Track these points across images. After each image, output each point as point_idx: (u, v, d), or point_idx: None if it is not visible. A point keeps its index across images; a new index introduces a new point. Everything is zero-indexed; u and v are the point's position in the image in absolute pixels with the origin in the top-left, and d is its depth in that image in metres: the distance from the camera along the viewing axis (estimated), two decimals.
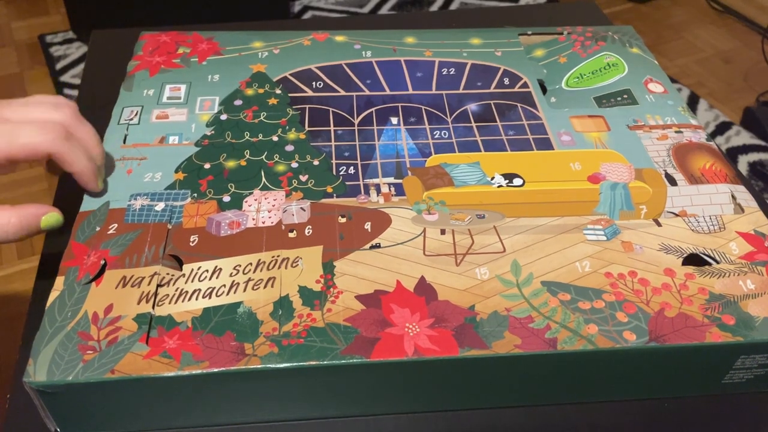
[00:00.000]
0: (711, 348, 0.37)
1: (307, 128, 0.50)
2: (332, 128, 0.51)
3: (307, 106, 0.52)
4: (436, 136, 0.50)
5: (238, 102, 0.52)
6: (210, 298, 0.38)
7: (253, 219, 0.43)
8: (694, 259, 0.41)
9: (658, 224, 0.44)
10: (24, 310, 0.43)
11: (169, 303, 0.38)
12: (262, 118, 0.51)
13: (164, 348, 0.36)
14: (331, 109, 0.52)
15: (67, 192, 0.50)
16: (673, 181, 0.47)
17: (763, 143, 1.50)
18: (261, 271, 0.40)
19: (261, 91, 0.54)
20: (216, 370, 0.35)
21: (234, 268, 0.40)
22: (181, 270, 0.40)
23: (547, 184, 0.46)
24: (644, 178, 0.47)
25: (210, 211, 0.43)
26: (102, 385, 0.34)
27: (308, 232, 0.42)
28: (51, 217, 0.38)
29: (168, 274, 0.39)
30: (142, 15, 1.65)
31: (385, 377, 0.37)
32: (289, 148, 0.48)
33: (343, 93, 0.54)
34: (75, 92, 1.60)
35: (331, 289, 0.39)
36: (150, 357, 0.35)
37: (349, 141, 0.49)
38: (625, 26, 0.63)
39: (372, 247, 0.41)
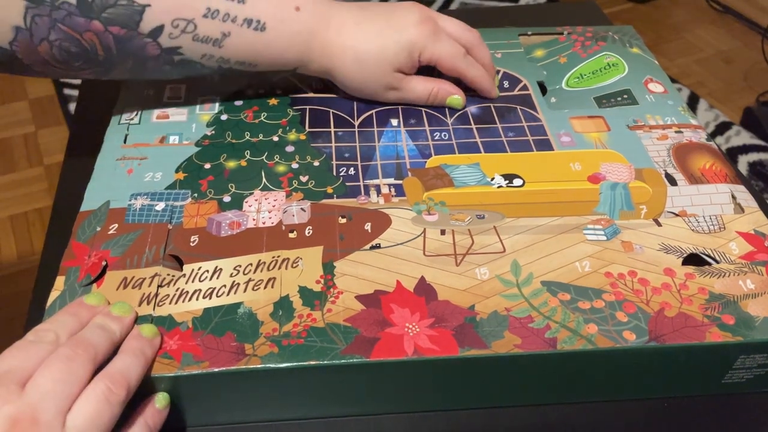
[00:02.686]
0: (711, 348, 0.37)
1: (307, 129, 0.50)
2: (332, 129, 0.51)
3: (308, 107, 0.52)
4: (436, 138, 0.50)
5: (238, 102, 0.52)
6: (210, 298, 0.38)
7: (254, 219, 0.43)
8: (694, 259, 0.41)
9: (658, 224, 0.44)
10: (24, 310, 0.43)
11: (170, 303, 0.38)
12: (262, 118, 0.51)
13: (165, 348, 0.36)
14: (331, 110, 0.52)
15: (67, 191, 0.50)
16: (673, 181, 0.47)
17: (763, 143, 1.50)
18: (261, 271, 0.40)
19: (261, 91, 0.54)
20: (216, 370, 0.35)
21: (234, 269, 0.40)
22: (182, 270, 0.40)
23: (547, 185, 0.46)
24: (644, 178, 0.47)
25: (210, 211, 0.43)
26: None
27: (308, 233, 0.42)
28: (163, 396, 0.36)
29: (168, 274, 0.39)
30: None
31: (385, 377, 0.37)
32: (290, 148, 0.48)
33: (343, 94, 0.54)
34: (75, 92, 1.60)
35: (331, 290, 0.39)
36: None
37: (349, 142, 0.49)
38: (625, 26, 0.63)
39: (372, 248, 0.41)
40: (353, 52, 0.48)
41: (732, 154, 1.48)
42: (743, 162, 1.46)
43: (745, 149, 1.49)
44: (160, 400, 0.35)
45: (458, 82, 0.53)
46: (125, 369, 0.33)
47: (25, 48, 0.41)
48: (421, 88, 0.52)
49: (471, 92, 0.54)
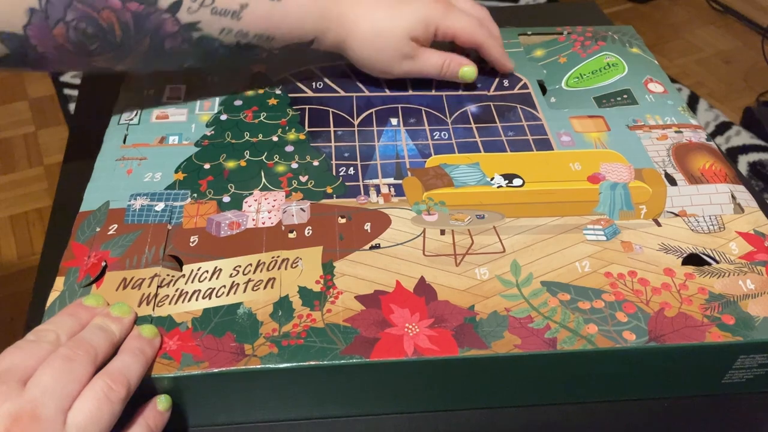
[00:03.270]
0: (711, 348, 0.37)
1: (306, 129, 0.50)
2: (332, 129, 0.51)
3: (307, 107, 0.52)
4: (436, 137, 0.50)
5: (238, 102, 0.52)
6: (210, 298, 0.38)
7: (253, 219, 0.43)
8: (693, 259, 0.41)
9: (658, 224, 0.44)
10: (24, 310, 0.43)
11: (169, 304, 0.38)
12: (262, 118, 0.51)
13: (164, 349, 0.36)
14: (330, 109, 0.52)
15: (67, 191, 0.50)
16: (672, 181, 0.47)
17: (763, 143, 1.50)
18: (261, 271, 0.40)
19: (261, 91, 0.54)
20: (216, 370, 0.35)
21: (234, 269, 0.40)
22: (181, 270, 0.40)
23: (547, 185, 0.46)
24: (644, 178, 0.47)
25: (210, 211, 0.43)
26: None
27: (308, 233, 0.42)
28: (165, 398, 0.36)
29: (168, 275, 0.39)
30: None
31: (384, 377, 0.37)
32: (289, 148, 0.48)
33: (342, 93, 0.54)
34: (75, 92, 1.60)
35: (331, 290, 0.39)
36: None
37: (348, 142, 0.49)
38: (625, 26, 0.63)
39: (372, 248, 0.41)
40: (370, 21, 0.49)
41: (732, 154, 1.48)
42: (743, 162, 1.46)
43: (745, 149, 1.49)
44: (162, 402, 0.35)
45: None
46: (125, 368, 0.33)
47: (39, 32, 0.40)
48: (436, 58, 0.52)
49: (470, 91, 0.54)
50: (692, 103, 1.62)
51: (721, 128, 1.55)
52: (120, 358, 0.34)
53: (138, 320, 0.37)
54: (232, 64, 0.49)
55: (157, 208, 0.43)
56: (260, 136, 0.49)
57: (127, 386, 0.33)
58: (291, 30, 0.47)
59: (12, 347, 0.33)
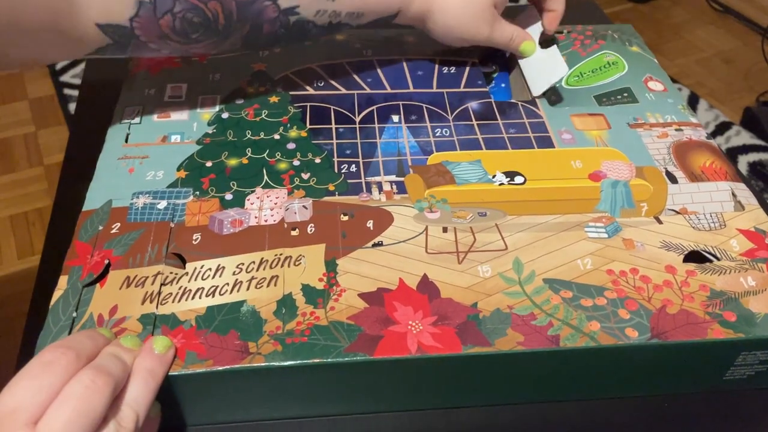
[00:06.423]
0: (712, 344, 0.37)
1: (308, 126, 0.50)
2: (333, 126, 0.51)
3: (308, 104, 0.52)
4: (438, 134, 0.50)
5: (239, 100, 0.52)
6: (213, 296, 0.38)
7: (256, 217, 0.43)
8: (695, 256, 0.42)
9: (659, 222, 0.44)
10: (24, 310, 0.43)
11: (173, 302, 0.38)
12: (263, 116, 0.51)
13: None
14: (332, 107, 0.52)
15: (68, 191, 0.50)
16: (673, 179, 0.47)
17: (763, 143, 1.50)
18: (264, 269, 0.40)
19: (262, 89, 0.54)
20: (220, 368, 0.35)
21: (237, 267, 0.40)
22: (185, 268, 0.40)
23: (549, 182, 0.46)
24: (645, 175, 0.47)
25: (212, 209, 0.43)
26: None
27: (311, 230, 0.42)
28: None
29: (171, 272, 0.39)
30: None
31: (388, 375, 0.37)
32: (291, 146, 0.48)
33: (344, 91, 0.54)
34: (75, 92, 1.60)
35: (334, 287, 0.39)
36: None
37: (350, 139, 0.49)
38: (624, 25, 0.63)
39: (374, 245, 0.41)
40: None
41: (732, 154, 1.48)
42: (743, 162, 1.46)
43: (745, 149, 1.49)
44: (154, 410, 0.35)
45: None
46: (135, 402, 0.32)
47: (145, 23, 0.40)
48: (508, 29, 0.54)
49: (468, 88, 0.55)
50: (692, 103, 1.62)
51: (721, 128, 1.55)
52: (130, 389, 0.32)
53: (141, 318, 0.37)
54: (314, 39, 0.52)
55: (159, 206, 0.43)
56: (262, 134, 0.49)
57: (136, 420, 0.31)
58: (379, 4, 0.49)
59: (22, 375, 0.29)
